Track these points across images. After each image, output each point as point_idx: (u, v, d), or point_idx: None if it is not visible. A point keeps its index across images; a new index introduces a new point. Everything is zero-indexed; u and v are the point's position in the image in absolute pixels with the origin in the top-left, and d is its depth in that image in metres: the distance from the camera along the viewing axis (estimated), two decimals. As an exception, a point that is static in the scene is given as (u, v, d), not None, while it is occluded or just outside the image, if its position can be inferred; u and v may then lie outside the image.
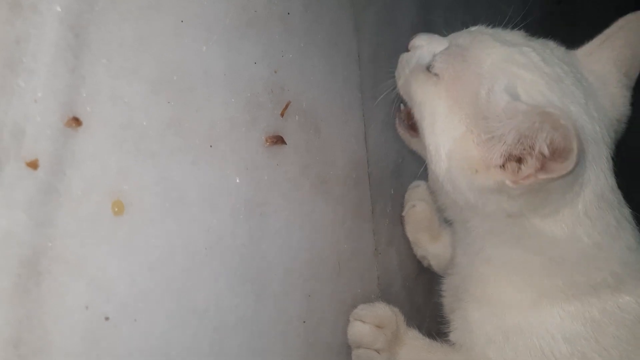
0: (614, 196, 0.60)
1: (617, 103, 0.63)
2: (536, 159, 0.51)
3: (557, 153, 0.49)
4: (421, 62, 0.64)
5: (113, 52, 0.48)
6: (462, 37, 0.64)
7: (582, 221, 0.57)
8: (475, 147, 0.57)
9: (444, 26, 0.97)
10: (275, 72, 0.64)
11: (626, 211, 0.62)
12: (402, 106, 0.71)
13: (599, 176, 0.58)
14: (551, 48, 0.63)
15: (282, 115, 0.64)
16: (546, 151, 0.50)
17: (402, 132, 0.72)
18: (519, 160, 0.54)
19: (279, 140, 0.63)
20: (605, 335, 0.58)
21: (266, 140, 0.62)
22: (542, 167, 0.51)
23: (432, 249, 0.82)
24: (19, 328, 0.41)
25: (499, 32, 0.64)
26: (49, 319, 0.43)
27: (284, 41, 0.65)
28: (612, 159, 0.61)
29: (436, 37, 0.67)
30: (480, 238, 0.64)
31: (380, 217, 0.78)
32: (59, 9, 0.45)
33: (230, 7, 0.59)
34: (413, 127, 0.68)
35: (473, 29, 0.66)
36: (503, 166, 0.55)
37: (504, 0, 1.19)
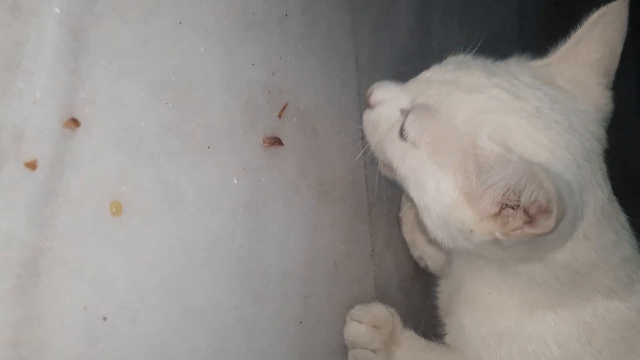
0: (612, 206, 0.60)
1: (599, 104, 0.62)
2: (523, 212, 0.50)
3: (540, 210, 0.49)
4: (391, 126, 0.61)
5: (112, 54, 0.49)
6: (423, 94, 0.60)
7: (581, 244, 0.56)
8: (468, 204, 0.55)
9: (441, 29, 0.98)
10: (273, 74, 0.64)
11: (623, 218, 0.62)
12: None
13: (597, 194, 0.57)
14: (518, 74, 0.59)
15: (279, 116, 0.64)
16: (530, 208, 0.49)
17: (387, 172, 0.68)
18: (513, 208, 0.52)
19: (276, 141, 0.63)
20: (597, 337, 0.59)
21: (264, 142, 0.62)
22: (530, 221, 0.50)
23: (429, 249, 0.83)
24: (18, 329, 0.42)
25: (459, 74, 0.60)
26: (48, 320, 0.43)
27: (281, 43, 0.65)
28: (605, 160, 0.60)
29: (394, 87, 0.64)
30: (474, 263, 0.64)
31: (377, 218, 0.78)
32: (58, 10, 0.45)
33: (229, 10, 0.59)
34: None
35: (428, 74, 0.63)
36: (496, 215, 0.53)
37: (500, 3, 1.20)
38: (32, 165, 0.43)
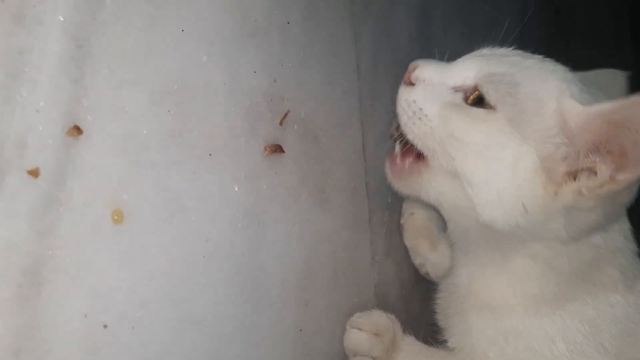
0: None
1: None
2: (612, 162, 0.52)
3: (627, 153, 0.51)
4: (450, 95, 0.61)
5: (115, 62, 0.49)
6: (489, 63, 0.61)
7: (615, 226, 0.61)
8: (548, 171, 0.55)
9: (442, 37, 0.98)
10: (275, 81, 0.64)
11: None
12: (396, 149, 0.67)
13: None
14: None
15: (281, 124, 0.64)
16: (620, 152, 0.52)
17: (398, 174, 0.67)
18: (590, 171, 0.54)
19: (277, 149, 0.63)
20: (601, 331, 0.60)
21: (265, 149, 0.62)
22: (618, 169, 0.52)
23: (431, 256, 0.83)
24: (19, 337, 0.42)
25: (511, 51, 0.64)
26: (49, 328, 0.43)
27: (283, 51, 0.66)
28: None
29: (437, 64, 0.64)
30: (497, 252, 0.63)
31: (377, 226, 0.78)
32: (62, 19, 0.45)
33: (231, 18, 0.59)
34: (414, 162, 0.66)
35: (484, 50, 0.65)
36: (574, 179, 0.55)
37: (501, 12, 1.21)
38: (34, 174, 0.43)
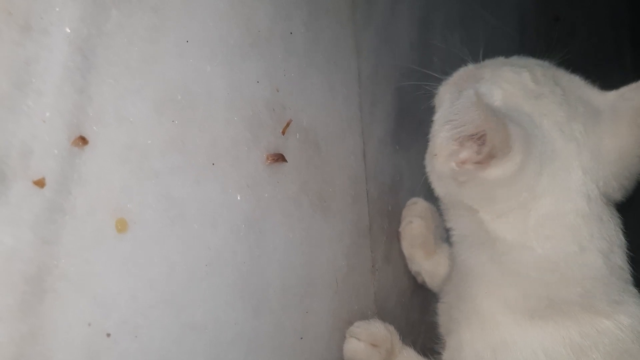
0: (585, 224, 0.60)
1: (624, 157, 0.63)
2: (472, 146, 0.60)
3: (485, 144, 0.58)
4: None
5: (119, 72, 0.49)
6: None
7: (534, 231, 0.60)
8: (441, 136, 0.64)
9: (442, 45, 0.99)
10: (277, 90, 0.65)
11: (618, 231, 0.62)
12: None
13: (559, 198, 0.60)
14: (553, 70, 0.68)
15: (283, 133, 0.65)
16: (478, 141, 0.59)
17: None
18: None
19: (279, 158, 0.64)
20: (587, 359, 0.58)
21: (267, 158, 0.63)
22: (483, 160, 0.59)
23: (426, 265, 0.83)
24: (23, 345, 0.42)
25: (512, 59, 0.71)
26: (52, 336, 0.44)
27: (285, 60, 0.66)
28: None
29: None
30: (461, 245, 0.68)
31: (377, 233, 0.79)
32: (68, 30, 0.46)
33: (234, 28, 0.60)
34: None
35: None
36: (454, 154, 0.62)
37: (501, 18, 1.21)
38: (40, 183, 0.43)
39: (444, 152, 0.64)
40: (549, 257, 0.60)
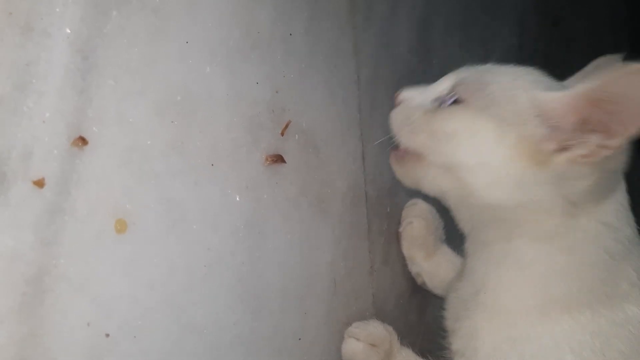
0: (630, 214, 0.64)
1: None
2: (600, 132, 0.56)
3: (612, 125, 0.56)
4: (431, 105, 0.67)
5: (120, 73, 0.49)
6: (461, 73, 0.67)
7: (613, 224, 0.61)
8: (533, 144, 0.60)
9: (442, 48, 0.99)
10: (277, 92, 0.65)
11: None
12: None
13: (622, 189, 0.63)
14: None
15: (282, 134, 0.65)
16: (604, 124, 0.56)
17: (399, 162, 0.72)
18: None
19: (278, 159, 0.64)
20: (611, 349, 0.58)
21: (266, 159, 0.63)
22: (607, 137, 0.56)
23: (426, 266, 0.83)
24: (23, 346, 0.42)
25: (490, 65, 0.68)
26: (52, 337, 0.44)
27: (285, 62, 0.66)
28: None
29: (419, 87, 0.71)
30: (511, 239, 0.64)
31: (376, 235, 0.79)
32: (68, 31, 0.46)
33: (235, 30, 0.60)
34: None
35: (463, 68, 0.69)
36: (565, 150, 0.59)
37: (500, 22, 1.22)
38: (40, 184, 0.43)
39: (557, 155, 0.59)
40: (620, 245, 0.61)
